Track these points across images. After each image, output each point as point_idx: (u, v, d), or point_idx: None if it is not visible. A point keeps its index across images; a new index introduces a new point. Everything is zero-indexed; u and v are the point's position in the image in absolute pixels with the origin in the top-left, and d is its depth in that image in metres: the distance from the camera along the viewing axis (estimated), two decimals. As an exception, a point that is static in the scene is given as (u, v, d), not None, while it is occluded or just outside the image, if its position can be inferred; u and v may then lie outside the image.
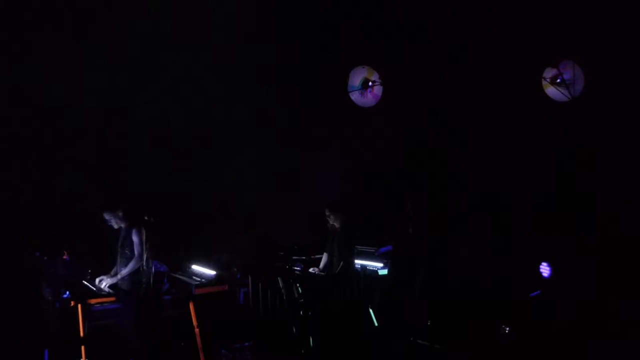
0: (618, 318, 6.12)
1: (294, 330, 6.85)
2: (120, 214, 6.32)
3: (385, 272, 7.42)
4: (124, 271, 6.28)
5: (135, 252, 6.26)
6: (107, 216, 6.34)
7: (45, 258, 6.60)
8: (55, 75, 7.51)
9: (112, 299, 6.40)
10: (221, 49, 8.28)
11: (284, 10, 8.27)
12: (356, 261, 7.32)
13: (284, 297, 6.99)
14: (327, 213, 7.16)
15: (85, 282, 6.68)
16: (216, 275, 7.04)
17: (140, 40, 7.84)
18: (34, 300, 6.77)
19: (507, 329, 6.71)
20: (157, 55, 8.01)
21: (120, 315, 6.36)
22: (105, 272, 6.54)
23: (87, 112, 7.78)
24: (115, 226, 6.37)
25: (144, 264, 6.28)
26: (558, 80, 7.40)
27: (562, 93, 7.34)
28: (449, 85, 7.98)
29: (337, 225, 7.10)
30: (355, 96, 8.24)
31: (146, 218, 6.57)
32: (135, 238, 6.28)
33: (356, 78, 8.22)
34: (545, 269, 6.84)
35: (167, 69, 8.09)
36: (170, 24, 7.97)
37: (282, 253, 7.72)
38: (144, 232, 6.29)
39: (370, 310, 7.14)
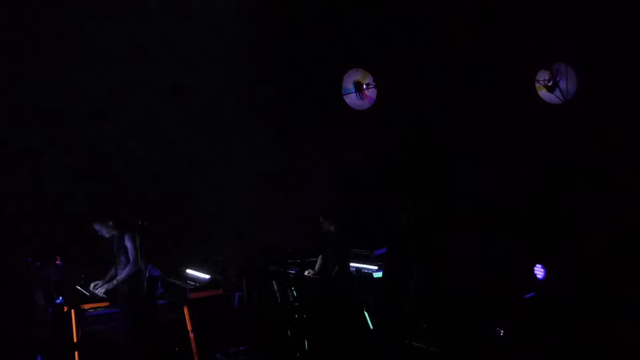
0: (615, 319, 6.15)
1: (289, 333, 6.83)
2: (110, 223, 6.28)
3: (380, 274, 7.42)
4: (120, 276, 6.24)
5: (130, 258, 6.22)
6: (97, 227, 6.29)
7: (38, 263, 6.54)
8: (48, 78, 7.46)
9: (106, 304, 6.36)
10: (216, 50, 8.28)
11: (281, 12, 8.28)
12: (351, 264, 7.31)
13: (279, 301, 6.97)
14: (321, 218, 7.15)
15: (79, 287, 6.63)
16: (211, 279, 7.01)
17: (133, 43, 7.81)
18: (26, 305, 6.72)
19: (502, 331, 6.72)
20: (150, 57, 7.98)
21: (115, 319, 6.31)
22: (99, 277, 6.49)
23: (79, 116, 7.73)
24: (107, 235, 6.32)
25: (142, 267, 6.25)
26: (550, 83, 7.43)
27: (555, 95, 7.37)
28: (444, 87, 8.00)
29: (331, 229, 7.10)
30: (349, 99, 8.24)
31: (139, 222, 6.53)
32: (128, 244, 6.25)
33: (350, 81, 8.22)
34: (539, 271, 6.86)
35: (161, 71, 8.06)
36: (164, 25, 7.95)
37: (276, 256, 7.70)
38: (136, 237, 6.26)
39: (366, 313, 7.13)
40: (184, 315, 6.72)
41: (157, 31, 7.97)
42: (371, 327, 7.11)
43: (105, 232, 6.30)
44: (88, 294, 6.42)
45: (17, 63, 7.35)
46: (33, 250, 6.79)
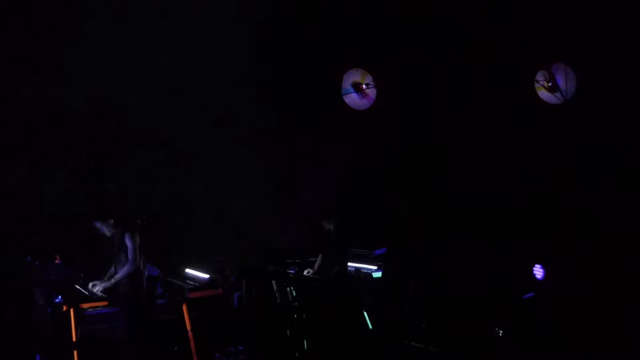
0: (614, 319, 6.15)
1: (288, 333, 6.82)
2: (111, 221, 6.29)
3: (379, 274, 7.41)
4: (118, 275, 6.24)
5: (129, 257, 6.22)
6: (98, 225, 6.30)
7: (37, 263, 6.53)
8: (47, 78, 7.48)
9: (105, 303, 6.34)
10: (216, 50, 8.29)
11: (281, 12, 8.28)
12: (351, 264, 7.30)
13: (278, 300, 6.97)
14: (320, 217, 7.15)
15: (78, 287, 6.62)
16: (210, 279, 7.00)
17: (132, 42, 7.82)
18: (26, 305, 6.72)
19: (501, 331, 6.72)
20: (150, 57, 7.99)
21: (114, 319, 6.31)
22: (98, 276, 6.48)
23: (79, 116, 7.74)
24: (108, 234, 6.33)
25: (141, 266, 6.25)
26: (550, 83, 7.43)
27: (555, 96, 7.37)
28: (444, 87, 8.01)
29: (331, 228, 7.09)
30: (349, 99, 8.24)
31: (139, 222, 6.53)
32: (128, 243, 6.24)
33: (349, 81, 8.22)
34: (538, 271, 6.86)
35: (161, 71, 8.07)
36: (164, 25, 7.95)
37: (276, 256, 7.69)
38: (137, 236, 6.27)
39: (365, 313, 7.13)
40: (183, 315, 6.70)
41: (157, 31, 7.97)
42: (370, 327, 7.11)
43: (106, 231, 6.32)
44: (87, 293, 6.41)
45: (17, 63, 7.36)
46: (32, 250, 6.78)
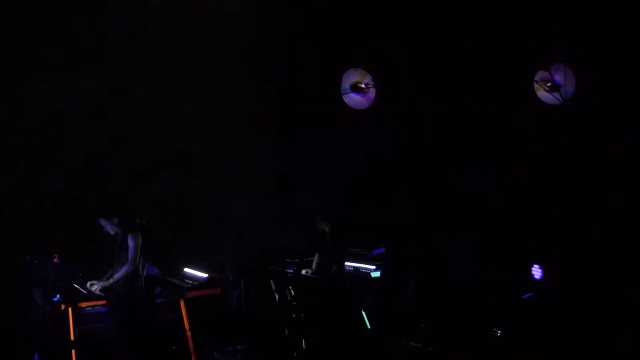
0: (615, 319, 6.12)
1: (287, 332, 6.82)
2: (116, 220, 6.31)
3: (378, 274, 7.40)
4: (117, 275, 6.24)
5: (130, 257, 6.22)
6: (103, 223, 6.33)
7: (36, 261, 6.55)
8: (46, 78, 7.50)
9: (103, 302, 6.34)
10: (216, 50, 8.31)
11: (281, 12, 8.30)
12: (350, 263, 7.29)
13: (277, 300, 6.96)
14: (316, 218, 7.14)
15: (76, 286, 6.63)
16: (209, 279, 7.01)
17: (132, 42, 7.84)
18: (24, 304, 6.73)
19: (499, 332, 6.70)
20: (150, 57, 8.01)
21: (106, 318, 6.30)
22: (97, 275, 6.48)
23: (79, 116, 7.75)
24: (112, 232, 6.36)
25: (140, 268, 6.25)
26: (550, 84, 7.40)
27: (554, 97, 7.34)
28: (443, 87, 8.00)
29: (326, 229, 7.08)
30: (349, 99, 8.24)
31: (138, 221, 6.54)
32: (131, 243, 6.25)
33: (349, 81, 8.22)
34: (537, 272, 6.83)
35: (162, 71, 8.08)
36: (164, 24, 7.97)
37: (275, 256, 7.69)
38: (140, 237, 6.28)
39: (363, 313, 7.12)
40: (182, 314, 6.71)
41: (157, 31, 7.99)
42: (369, 327, 7.09)
43: (110, 229, 6.35)
44: (86, 292, 6.42)
45: (17, 62, 7.39)
46: (31, 249, 6.81)
